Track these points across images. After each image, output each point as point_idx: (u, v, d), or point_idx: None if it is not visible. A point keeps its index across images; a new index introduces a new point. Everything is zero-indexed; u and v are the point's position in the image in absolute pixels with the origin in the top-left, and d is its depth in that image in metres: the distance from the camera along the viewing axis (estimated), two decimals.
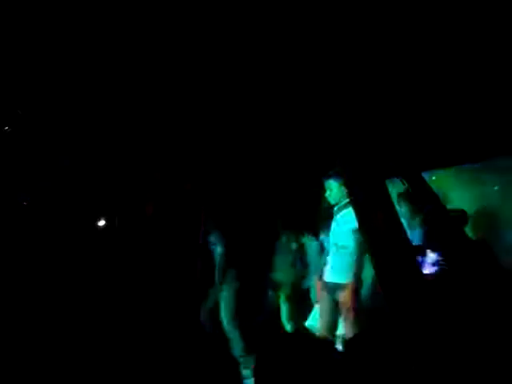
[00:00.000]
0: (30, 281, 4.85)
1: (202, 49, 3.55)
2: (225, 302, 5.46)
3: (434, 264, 4.35)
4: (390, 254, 2.60)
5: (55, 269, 5.11)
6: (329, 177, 4.65)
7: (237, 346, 5.33)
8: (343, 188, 4.51)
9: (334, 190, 4.67)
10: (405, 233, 2.68)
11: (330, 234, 4.75)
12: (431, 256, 4.39)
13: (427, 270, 4.34)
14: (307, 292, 5.92)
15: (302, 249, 6.02)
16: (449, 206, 5.17)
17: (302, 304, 5.81)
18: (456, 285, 3.17)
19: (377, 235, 2.63)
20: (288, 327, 5.84)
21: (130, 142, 5.21)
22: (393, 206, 2.72)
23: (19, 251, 4.86)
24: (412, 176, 4.12)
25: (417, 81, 4.08)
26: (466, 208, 5.08)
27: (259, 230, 6.14)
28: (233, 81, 4.03)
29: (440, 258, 4.17)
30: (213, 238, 5.62)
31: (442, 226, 3.70)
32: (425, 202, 4.02)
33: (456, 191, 5.37)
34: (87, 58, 3.55)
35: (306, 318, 5.60)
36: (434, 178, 5.42)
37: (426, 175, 4.99)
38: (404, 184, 4.21)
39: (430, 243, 4.43)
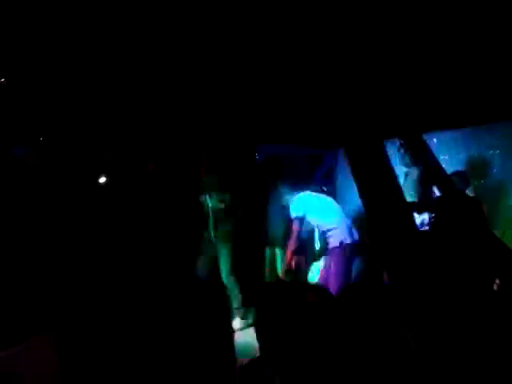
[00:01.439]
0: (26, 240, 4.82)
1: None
2: (223, 257, 5.54)
3: (422, 224, 4.39)
4: (386, 212, 2.63)
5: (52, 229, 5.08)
6: None
7: (235, 299, 5.44)
8: None
9: None
10: (401, 192, 2.70)
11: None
12: (420, 217, 4.43)
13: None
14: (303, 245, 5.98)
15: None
16: (450, 169, 5.21)
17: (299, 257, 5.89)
18: (447, 243, 3.22)
19: (373, 195, 2.66)
20: (286, 279, 5.89)
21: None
22: (390, 167, 2.73)
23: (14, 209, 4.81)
24: (412, 137, 4.10)
25: (418, 42, 4.02)
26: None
27: (254, 186, 6.14)
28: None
29: (431, 217, 4.20)
30: (209, 197, 5.67)
31: (439, 187, 3.72)
32: (423, 163, 4.01)
33: (457, 154, 5.37)
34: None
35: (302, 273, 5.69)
36: (435, 139, 5.40)
37: (427, 137, 4.99)
38: (403, 145, 4.20)
39: (422, 203, 4.48)
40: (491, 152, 5.16)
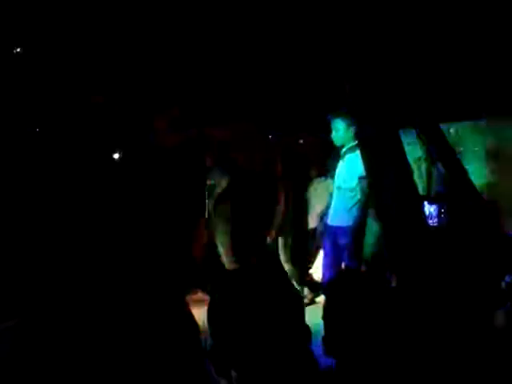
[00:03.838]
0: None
1: None
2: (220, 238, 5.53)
3: (430, 216, 4.34)
4: (395, 201, 2.60)
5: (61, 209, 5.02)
6: (336, 116, 4.43)
7: None
8: (351, 129, 4.30)
9: (340, 130, 4.44)
10: (412, 182, 2.67)
11: (335, 176, 4.67)
12: (428, 208, 4.38)
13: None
14: (309, 235, 5.93)
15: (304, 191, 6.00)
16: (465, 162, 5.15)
17: (302, 247, 5.86)
18: (456, 237, 3.20)
19: (383, 181, 2.63)
20: (287, 268, 5.87)
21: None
22: (403, 154, 2.70)
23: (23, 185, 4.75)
24: (429, 128, 4.05)
25: (438, 30, 3.95)
26: (482, 163, 5.07)
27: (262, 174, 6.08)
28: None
29: (442, 210, 4.16)
30: (214, 174, 5.64)
31: (453, 180, 3.69)
32: (439, 155, 3.97)
33: (473, 147, 5.29)
34: None
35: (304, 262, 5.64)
36: (451, 130, 5.32)
37: (444, 127, 4.91)
38: (419, 135, 4.14)
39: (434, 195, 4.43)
40: (509, 143, 5.06)
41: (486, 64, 4.45)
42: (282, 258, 5.85)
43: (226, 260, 5.33)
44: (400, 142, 2.73)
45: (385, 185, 2.60)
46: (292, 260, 5.84)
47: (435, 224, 4.29)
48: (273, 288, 1.74)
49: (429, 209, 4.38)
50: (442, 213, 4.22)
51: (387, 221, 2.61)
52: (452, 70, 4.41)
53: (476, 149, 5.22)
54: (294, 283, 5.72)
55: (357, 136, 3.86)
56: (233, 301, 1.67)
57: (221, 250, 5.35)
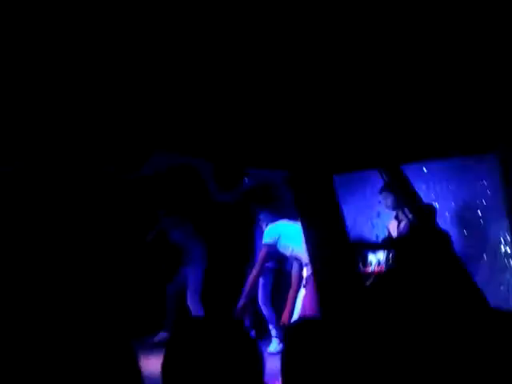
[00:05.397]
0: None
1: None
2: (192, 284, 5.51)
3: (379, 263, 4.26)
4: (327, 254, 2.57)
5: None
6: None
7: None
8: None
9: None
10: (344, 232, 2.62)
11: None
12: (375, 255, 4.31)
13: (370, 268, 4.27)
14: (286, 277, 5.86)
15: None
16: (439, 201, 5.10)
17: (279, 288, 5.80)
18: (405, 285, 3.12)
19: (316, 235, 2.59)
20: (264, 311, 5.79)
21: None
22: (335, 204, 2.66)
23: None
24: (390, 168, 4.01)
25: (403, 63, 3.91)
26: (455, 201, 5.05)
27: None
28: None
29: (391, 257, 4.10)
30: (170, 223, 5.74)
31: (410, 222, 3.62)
32: (401, 196, 3.91)
33: (447, 184, 5.24)
34: None
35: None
36: (424, 169, 5.29)
37: (416, 167, 4.88)
38: (382, 176, 4.09)
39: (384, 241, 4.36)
40: (480, 183, 5.03)
41: (459, 102, 4.40)
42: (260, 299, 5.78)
43: None
44: (333, 191, 2.70)
45: (316, 238, 2.57)
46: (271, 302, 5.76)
47: (382, 270, 4.22)
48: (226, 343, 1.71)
49: (376, 255, 4.32)
50: (391, 258, 4.16)
51: (320, 274, 2.56)
52: (417, 109, 4.35)
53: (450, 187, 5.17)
54: (273, 328, 5.65)
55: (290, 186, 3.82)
56: (188, 353, 1.64)
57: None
